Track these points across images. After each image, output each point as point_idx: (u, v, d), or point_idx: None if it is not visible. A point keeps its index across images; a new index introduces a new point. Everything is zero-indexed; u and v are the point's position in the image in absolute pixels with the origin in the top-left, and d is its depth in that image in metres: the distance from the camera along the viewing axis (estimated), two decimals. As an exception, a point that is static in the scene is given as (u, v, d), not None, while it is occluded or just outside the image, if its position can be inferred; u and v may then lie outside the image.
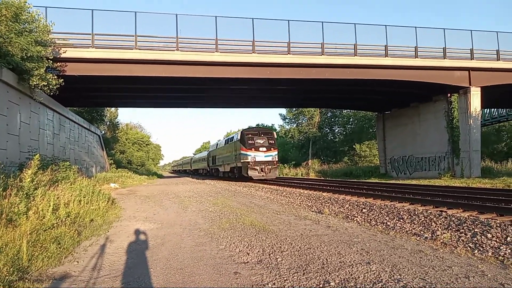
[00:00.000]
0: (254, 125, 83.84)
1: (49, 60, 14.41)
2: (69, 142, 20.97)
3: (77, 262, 4.86)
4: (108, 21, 18.02)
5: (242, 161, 23.92)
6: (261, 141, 24.05)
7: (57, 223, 6.50)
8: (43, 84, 14.07)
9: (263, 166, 23.22)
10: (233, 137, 27.95)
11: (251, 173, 22.94)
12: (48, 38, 14.71)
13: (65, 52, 16.39)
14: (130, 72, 18.20)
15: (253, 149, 23.41)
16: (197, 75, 19.07)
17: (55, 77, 14.74)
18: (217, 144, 34.80)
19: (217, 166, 33.57)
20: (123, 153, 50.97)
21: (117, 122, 49.88)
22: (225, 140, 31.19)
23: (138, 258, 5.01)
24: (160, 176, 53.61)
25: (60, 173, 11.42)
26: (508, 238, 5.30)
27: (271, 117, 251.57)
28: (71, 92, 21.08)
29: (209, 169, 40.21)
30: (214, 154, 35.81)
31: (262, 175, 23.16)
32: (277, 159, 24.25)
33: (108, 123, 46.48)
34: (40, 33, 14.11)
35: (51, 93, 15.02)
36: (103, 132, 40.03)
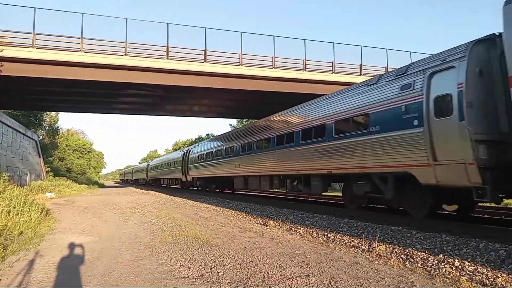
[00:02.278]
0: (204, 136, 74.67)
1: (-19, 59, 13.39)
2: (0, 147, 19.41)
3: (0, 279, 4.47)
4: (54, 21, 17.11)
5: None
6: None
7: (-21, 236, 5.95)
8: (-27, 84, 13.03)
9: None
10: None
11: None
12: (-19, 34, 13.68)
13: (1, 51, 15.28)
14: (74, 75, 17.33)
15: None
16: (147, 82, 18.60)
17: (-12, 77, 13.70)
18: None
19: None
20: (62, 160, 48.15)
21: (57, 127, 47.13)
22: None
23: (71, 274, 4.71)
24: (102, 186, 51.12)
25: (-12, 181, 10.54)
26: (436, 249, 5.67)
27: (223, 126, 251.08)
28: (6, 94, 19.65)
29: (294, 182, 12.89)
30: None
31: None
32: None
33: (47, 128, 43.77)
34: (-28, 29, 13.09)
35: (-18, 94, 13.91)
36: (40, 138, 37.53)
